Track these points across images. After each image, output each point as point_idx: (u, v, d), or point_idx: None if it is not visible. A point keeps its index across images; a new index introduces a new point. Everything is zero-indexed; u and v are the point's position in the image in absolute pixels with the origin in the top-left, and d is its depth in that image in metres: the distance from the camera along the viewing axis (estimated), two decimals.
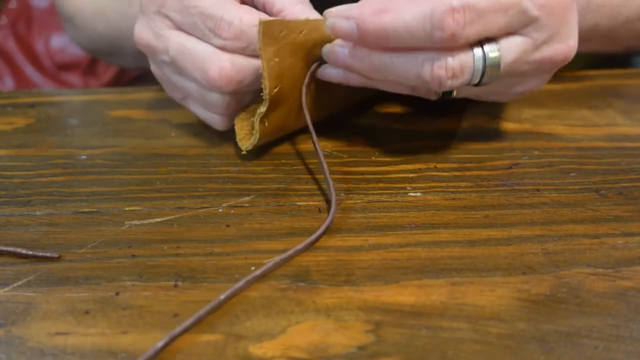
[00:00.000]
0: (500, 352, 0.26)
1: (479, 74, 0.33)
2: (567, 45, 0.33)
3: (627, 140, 0.42)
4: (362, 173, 0.38)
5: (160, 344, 0.26)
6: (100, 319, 0.28)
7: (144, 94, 0.50)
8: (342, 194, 0.36)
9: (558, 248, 0.32)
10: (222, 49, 0.35)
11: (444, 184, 0.37)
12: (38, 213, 0.35)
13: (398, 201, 0.35)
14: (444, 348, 0.26)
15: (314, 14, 0.36)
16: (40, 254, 0.32)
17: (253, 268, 0.31)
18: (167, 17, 0.37)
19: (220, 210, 0.35)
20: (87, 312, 0.28)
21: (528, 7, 0.31)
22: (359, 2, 0.32)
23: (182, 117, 0.45)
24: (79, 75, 0.92)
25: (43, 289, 0.30)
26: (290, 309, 0.28)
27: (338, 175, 0.38)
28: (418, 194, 0.36)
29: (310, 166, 0.39)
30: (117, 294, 0.29)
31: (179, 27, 0.37)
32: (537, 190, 0.37)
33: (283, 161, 0.40)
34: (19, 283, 0.30)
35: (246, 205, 0.35)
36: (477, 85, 0.34)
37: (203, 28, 0.35)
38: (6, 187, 0.37)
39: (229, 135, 0.42)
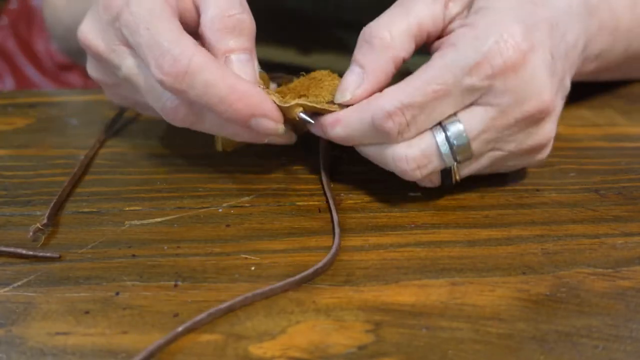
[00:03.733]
0: (500, 352, 0.26)
1: (448, 154, 0.31)
2: (541, 101, 0.31)
3: (627, 140, 0.42)
4: (362, 173, 0.38)
5: (161, 340, 0.26)
6: (101, 319, 0.28)
7: None
8: (342, 194, 0.36)
9: (558, 248, 0.32)
10: (160, 83, 0.31)
11: (444, 184, 0.37)
12: (38, 213, 0.35)
13: (398, 201, 0.36)
14: (444, 348, 0.26)
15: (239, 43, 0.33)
16: (41, 254, 0.32)
17: (253, 268, 0.31)
18: (120, 31, 0.33)
19: (220, 210, 0.35)
20: (87, 312, 0.28)
21: (473, 83, 0.30)
22: (322, 117, 0.33)
23: None
24: (79, 75, 0.92)
25: (43, 288, 0.30)
26: (290, 309, 0.28)
27: (338, 175, 0.38)
28: (418, 194, 0.36)
29: (310, 166, 0.39)
30: (117, 294, 0.29)
31: (129, 46, 0.33)
32: (537, 190, 0.37)
33: (283, 161, 0.40)
34: (19, 283, 0.30)
35: (246, 205, 0.35)
36: (459, 162, 0.32)
37: (146, 53, 0.31)
38: (6, 187, 0.37)
39: None
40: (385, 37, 0.31)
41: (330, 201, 0.35)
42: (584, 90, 0.49)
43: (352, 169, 0.38)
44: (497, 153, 0.33)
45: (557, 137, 0.35)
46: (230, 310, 0.28)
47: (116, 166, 0.40)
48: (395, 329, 0.27)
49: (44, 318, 0.28)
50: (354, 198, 0.36)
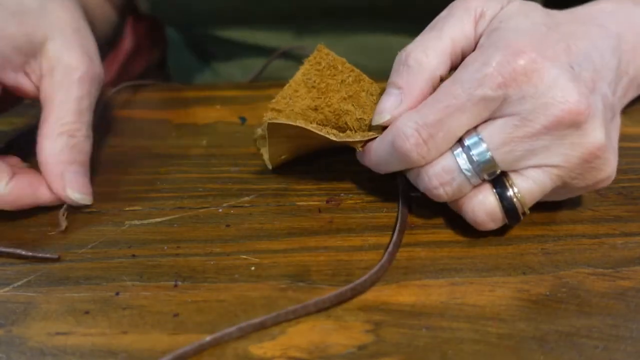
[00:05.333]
0: (500, 352, 0.26)
1: (469, 168, 0.30)
2: (567, 103, 0.29)
3: (627, 140, 0.42)
4: (362, 173, 0.38)
5: (188, 348, 0.26)
6: (101, 319, 0.28)
7: (145, 94, 0.50)
8: (342, 194, 0.36)
9: (558, 248, 0.32)
10: None
11: None
12: (38, 213, 0.35)
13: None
14: (444, 348, 0.26)
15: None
16: (40, 254, 0.32)
17: (253, 268, 0.31)
18: None
19: (220, 210, 0.35)
20: (87, 312, 0.28)
21: (485, 93, 0.29)
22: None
23: (183, 117, 0.45)
24: None
25: (43, 289, 0.30)
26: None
27: (338, 174, 0.38)
28: (418, 194, 0.36)
29: (310, 166, 0.39)
30: (117, 294, 0.29)
31: None
32: None
33: (283, 161, 0.40)
34: (19, 283, 0.30)
35: (246, 205, 0.35)
36: (492, 180, 0.31)
37: None
38: None
39: (229, 135, 0.42)
40: (421, 58, 0.31)
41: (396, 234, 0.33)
42: None
43: (352, 169, 0.38)
44: (547, 170, 0.30)
45: None
46: (263, 326, 0.28)
47: (116, 166, 0.40)
48: (395, 329, 0.27)
49: (44, 318, 0.28)
50: (354, 198, 0.36)
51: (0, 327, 0.28)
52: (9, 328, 0.28)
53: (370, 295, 0.29)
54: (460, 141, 0.30)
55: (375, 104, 0.34)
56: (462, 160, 0.30)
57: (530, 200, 0.31)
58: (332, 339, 0.27)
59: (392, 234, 0.32)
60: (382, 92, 0.35)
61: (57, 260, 0.31)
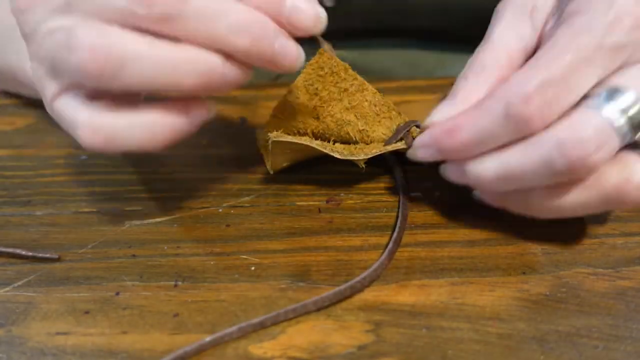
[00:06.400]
0: (500, 352, 0.26)
1: (624, 126, 0.26)
2: None
3: None
4: (362, 172, 0.38)
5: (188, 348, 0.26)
6: (101, 319, 0.28)
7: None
8: (342, 194, 0.36)
9: (558, 248, 0.32)
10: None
11: (444, 184, 0.37)
12: (38, 213, 0.35)
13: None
14: (444, 348, 0.26)
15: None
16: (40, 255, 0.32)
17: (253, 268, 0.31)
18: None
19: (220, 210, 0.35)
20: (87, 312, 0.28)
21: (618, 39, 0.26)
22: (431, 128, 0.30)
23: None
24: None
25: (43, 288, 0.30)
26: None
27: (338, 174, 0.38)
28: (418, 194, 0.36)
29: (310, 166, 0.39)
30: (117, 294, 0.29)
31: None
32: None
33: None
34: (20, 283, 0.30)
35: (246, 205, 0.35)
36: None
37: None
38: (6, 187, 0.37)
39: (229, 135, 0.42)
40: (478, 71, 0.29)
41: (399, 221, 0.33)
42: None
43: (353, 169, 0.38)
44: None
45: None
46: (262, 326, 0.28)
47: (116, 166, 0.40)
48: (395, 329, 0.27)
49: (44, 318, 0.28)
50: (354, 198, 0.36)
51: (1, 327, 0.28)
52: (9, 328, 0.28)
53: (370, 295, 0.29)
54: (593, 95, 0.26)
55: (378, 114, 0.34)
56: (614, 115, 0.26)
57: None
58: (332, 339, 0.27)
59: (392, 232, 0.32)
60: (385, 102, 0.34)
61: (57, 260, 0.31)
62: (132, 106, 0.27)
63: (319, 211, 0.35)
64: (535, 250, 0.32)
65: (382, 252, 0.31)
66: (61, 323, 0.28)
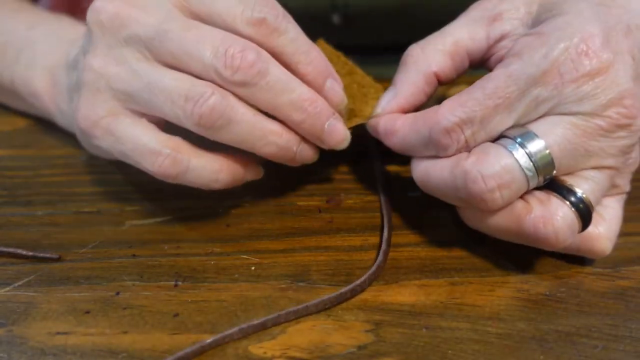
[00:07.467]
0: (500, 351, 0.26)
1: (530, 167, 0.27)
2: (622, 106, 0.27)
3: None
4: (362, 172, 0.38)
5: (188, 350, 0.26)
6: (101, 318, 0.28)
7: None
8: (342, 194, 0.36)
9: None
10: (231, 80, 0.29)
11: None
12: (39, 213, 0.35)
13: (398, 201, 0.36)
14: (444, 348, 0.26)
15: None
16: (41, 254, 0.32)
17: (253, 268, 0.31)
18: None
19: (220, 210, 0.35)
20: (87, 312, 0.28)
21: (539, 94, 0.27)
22: (381, 117, 0.32)
23: None
24: None
25: (44, 288, 0.30)
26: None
27: (338, 174, 0.38)
28: (418, 194, 0.36)
29: (311, 166, 0.39)
30: (117, 293, 0.29)
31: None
32: None
33: None
34: (20, 283, 0.30)
35: (246, 205, 0.35)
36: (549, 188, 0.28)
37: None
38: (7, 187, 0.37)
39: None
40: (417, 54, 0.32)
41: (385, 219, 0.33)
42: None
43: (352, 169, 0.38)
44: (606, 172, 0.29)
45: None
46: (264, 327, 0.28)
47: (116, 166, 0.40)
48: (395, 329, 0.27)
49: (45, 318, 0.28)
50: (354, 198, 0.36)
51: (1, 327, 0.28)
52: (9, 328, 0.28)
53: (370, 295, 0.29)
54: (513, 139, 0.28)
55: (365, 95, 0.35)
56: (523, 158, 0.27)
57: (595, 202, 0.29)
58: (332, 339, 0.27)
59: (381, 233, 0.33)
60: (372, 85, 0.36)
61: (58, 260, 0.31)
62: (206, 149, 0.31)
63: (319, 211, 0.35)
64: (535, 250, 0.32)
65: (377, 254, 0.31)
66: (61, 323, 0.28)
